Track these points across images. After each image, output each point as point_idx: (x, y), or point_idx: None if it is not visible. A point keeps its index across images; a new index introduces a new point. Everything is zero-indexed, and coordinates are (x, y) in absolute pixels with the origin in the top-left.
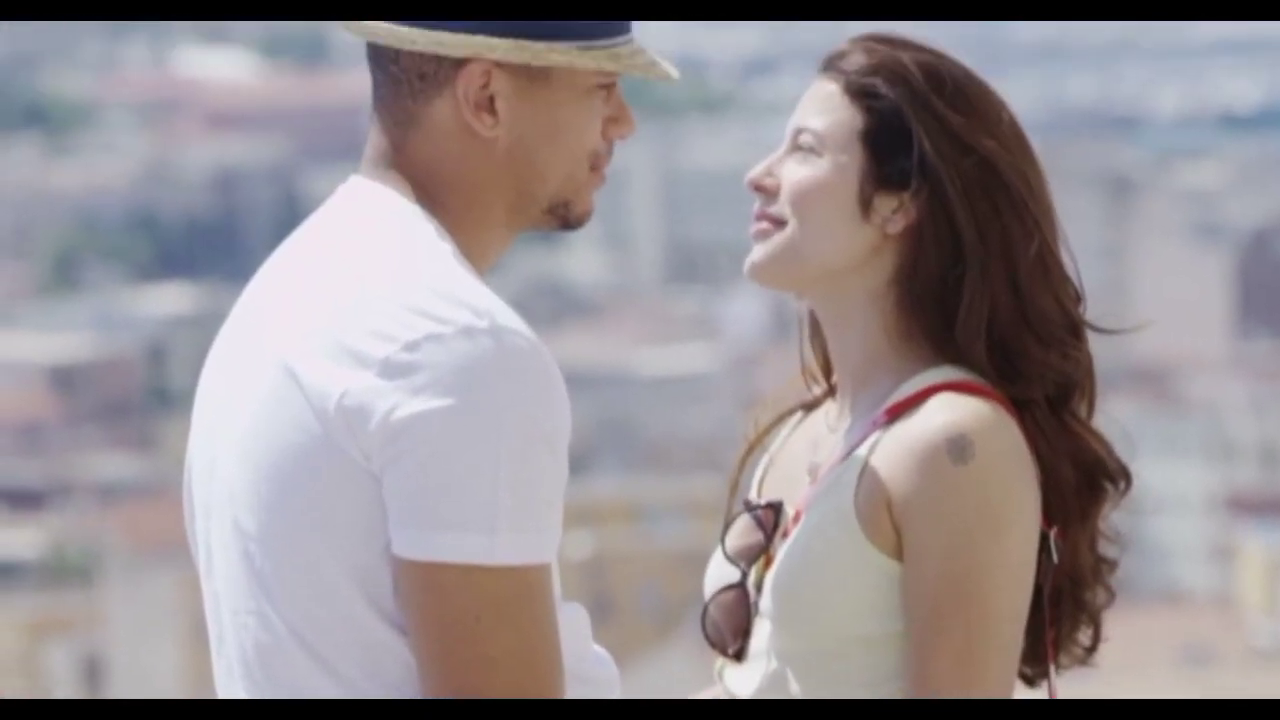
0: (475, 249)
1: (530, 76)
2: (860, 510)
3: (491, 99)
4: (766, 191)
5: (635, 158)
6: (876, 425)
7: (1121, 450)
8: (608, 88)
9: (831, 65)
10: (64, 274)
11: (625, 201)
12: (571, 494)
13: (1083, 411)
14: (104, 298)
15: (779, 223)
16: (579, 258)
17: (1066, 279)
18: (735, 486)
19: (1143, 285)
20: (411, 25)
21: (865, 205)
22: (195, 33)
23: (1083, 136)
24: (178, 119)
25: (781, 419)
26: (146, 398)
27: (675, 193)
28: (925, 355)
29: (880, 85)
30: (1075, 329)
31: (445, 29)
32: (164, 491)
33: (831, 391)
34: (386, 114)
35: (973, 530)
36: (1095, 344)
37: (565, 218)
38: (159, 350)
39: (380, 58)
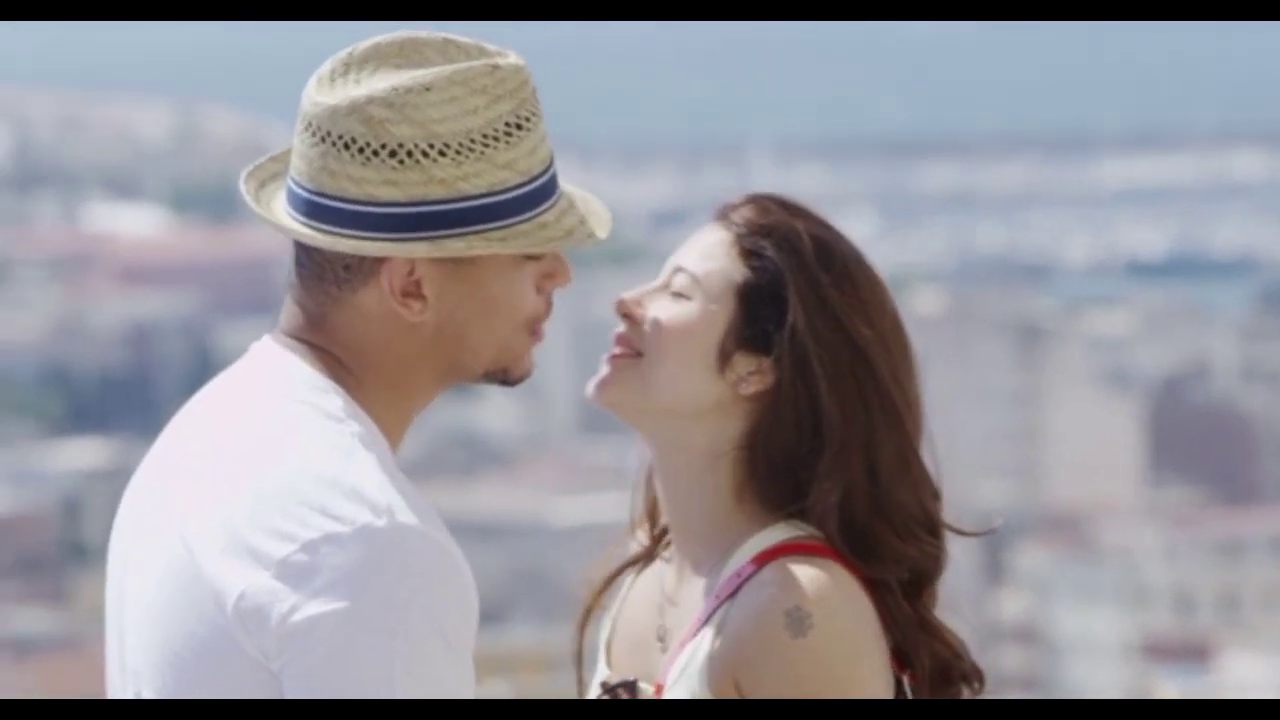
0: (393, 417)
1: (456, 259)
2: (713, 693)
3: (419, 284)
4: (632, 320)
5: None
6: (721, 599)
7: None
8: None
9: (724, 215)
10: None
11: (537, 352)
12: (487, 643)
13: (930, 605)
14: (17, 453)
15: (636, 353)
16: (492, 409)
17: (926, 477)
18: (580, 655)
19: (1054, 432)
20: (330, 226)
21: (724, 358)
22: (104, 188)
23: (993, 284)
24: (89, 274)
25: (612, 581)
26: (61, 552)
27: (587, 343)
28: (761, 515)
29: (768, 247)
30: (933, 527)
31: (363, 230)
32: (79, 645)
33: (658, 540)
34: (307, 292)
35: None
36: (1009, 490)
37: (504, 379)
38: (73, 505)
39: (302, 244)
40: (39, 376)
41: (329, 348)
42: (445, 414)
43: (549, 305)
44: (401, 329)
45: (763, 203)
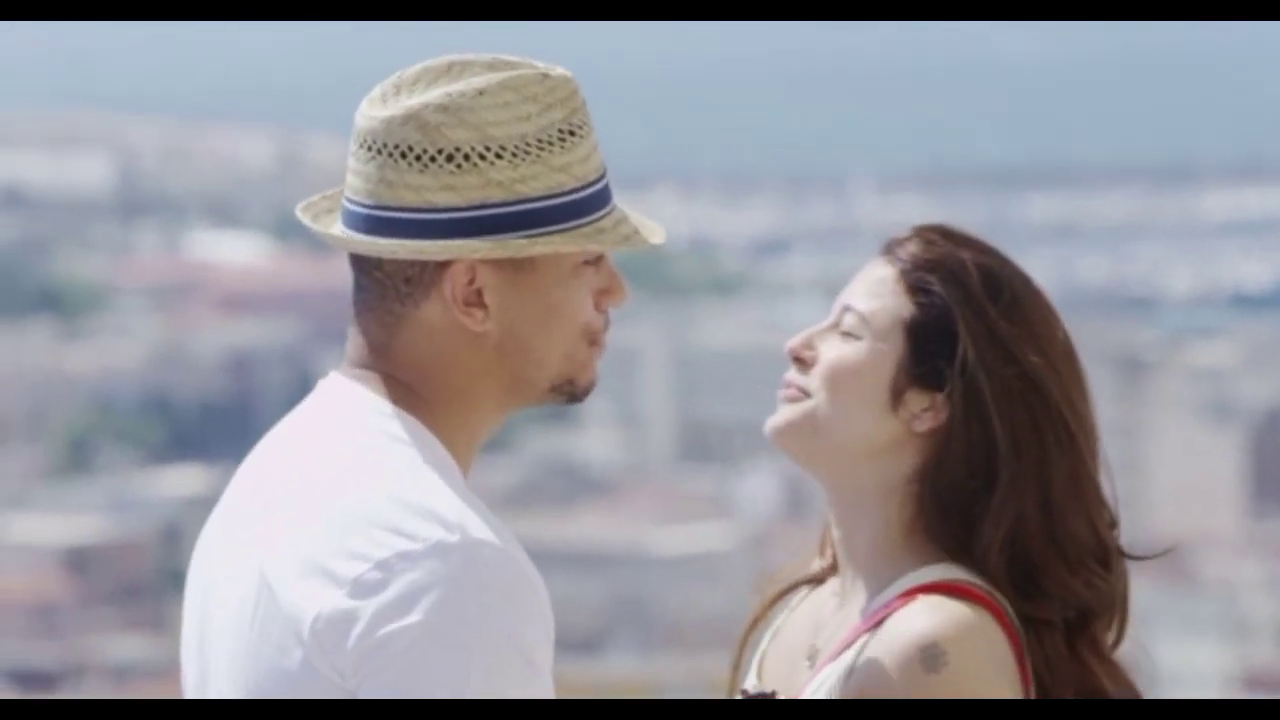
0: (462, 438)
1: (516, 266)
2: None
3: (480, 293)
4: (803, 363)
5: (647, 337)
6: (866, 627)
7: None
8: (595, 261)
9: (890, 250)
10: (77, 456)
11: (637, 381)
12: (587, 672)
13: (1108, 640)
14: (117, 480)
15: (806, 394)
16: (591, 437)
17: (1103, 503)
18: (738, 663)
19: (1156, 463)
20: (390, 238)
21: (896, 397)
22: (206, 216)
23: (1096, 316)
24: (190, 302)
25: (784, 595)
26: (160, 579)
27: (687, 372)
28: (929, 553)
29: (935, 282)
30: (1105, 556)
31: (424, 238)
32: (178, 672)
33: (835, 567)
34: (370, 316)
35: None
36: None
37: (571, 393)
38: (172, 532)
39: (363, 264)
40: (140, 404)
41: (395, 373)
42: (544, 443)
43: (607, 321)
44: (465, 342)
45: (927, 235)
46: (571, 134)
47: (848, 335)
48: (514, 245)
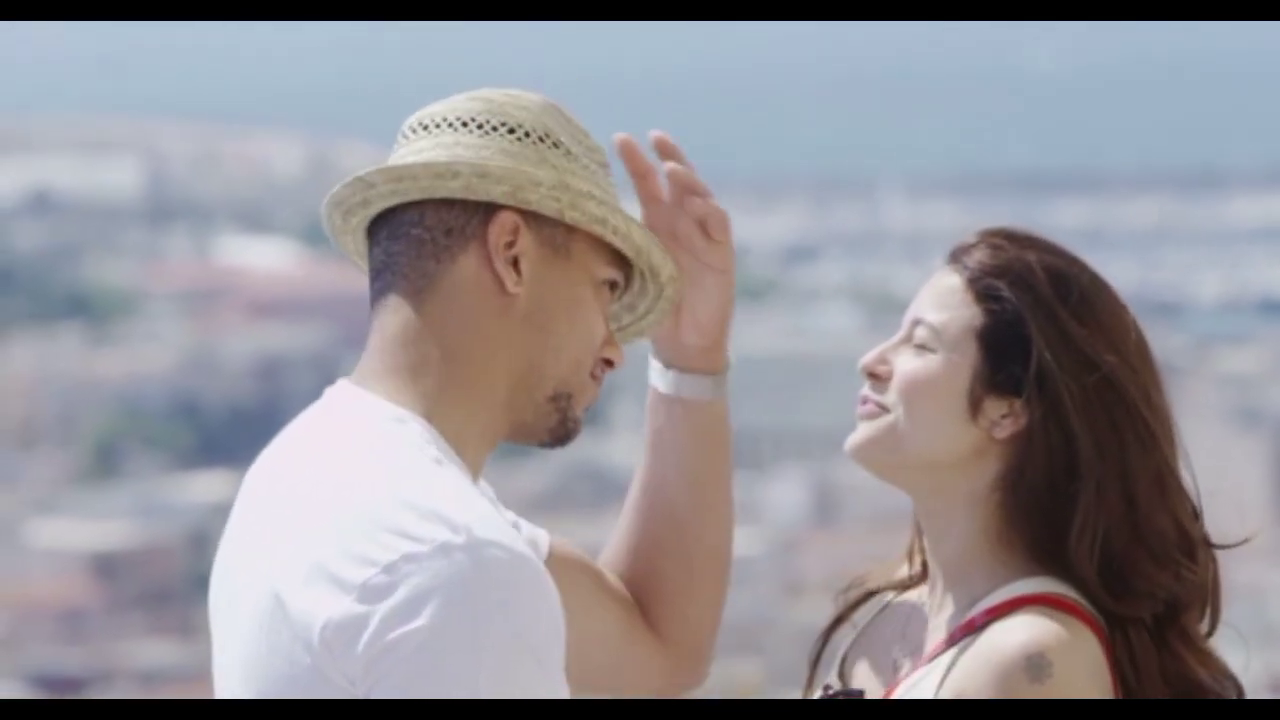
0: (470, 438)
1: (554, 248)
2: None
3: (517, 259)
4: (878, 379)
5: None
6: (961, 633)
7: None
8: (613, 289)
9: (957, 258)
10: (106, 461)
11: None
12: None
13: (1200, 628)
14: (145, 485)
15: (884, 410)
16: (620, 442)
17: (1185, 497)
18: (817, 660)
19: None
20: (452, 160)
21: (974, 406)
22: (236, 222)
23: None
24: (220, 308)
25: (869, 598)
26: (188, 585)
27: None
28: (1021, 563)
29: (1004, 288)
30: (1191, 549)
31: (491, 159)
32: (206, 677)
33: (923, 575)
34: (404, 284)
35: None
36: None
37: (565, 413)
38: (200, 537)
39: (399, 225)
40: (169, 409)
41: (411, 364)
42: (572, 448)
43: (604, 370)
44: (493, 307)
45: (993, 240)
46: (605, 174)
47: (921, 348)
48: (577, 185)
